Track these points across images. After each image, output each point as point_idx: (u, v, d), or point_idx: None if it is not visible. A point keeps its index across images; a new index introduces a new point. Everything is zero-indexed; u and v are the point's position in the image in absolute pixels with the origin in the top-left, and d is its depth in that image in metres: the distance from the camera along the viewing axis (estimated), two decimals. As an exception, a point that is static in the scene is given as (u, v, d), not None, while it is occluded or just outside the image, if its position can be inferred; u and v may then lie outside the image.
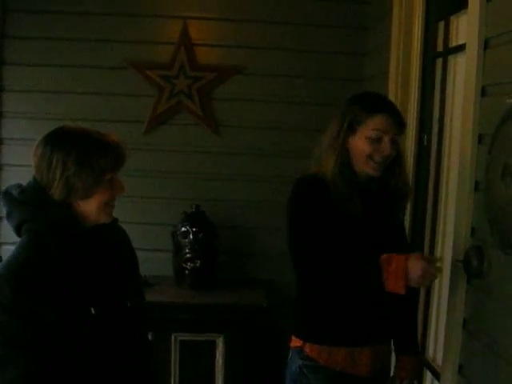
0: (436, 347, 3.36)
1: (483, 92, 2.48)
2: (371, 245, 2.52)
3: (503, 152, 2.18)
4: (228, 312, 4.07)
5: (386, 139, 2.48)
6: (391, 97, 3.70)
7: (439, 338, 3.31)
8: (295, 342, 2.61)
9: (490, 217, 2.30)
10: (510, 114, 2.14)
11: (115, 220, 2.26)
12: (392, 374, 2.79)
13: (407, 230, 3.59)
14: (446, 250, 3.13)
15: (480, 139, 2.50)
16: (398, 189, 2.62)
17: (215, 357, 4.08)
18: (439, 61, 3.40)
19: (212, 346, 4.07)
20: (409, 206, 3.58)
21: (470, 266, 2.41)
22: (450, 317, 2.65)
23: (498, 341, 2.31)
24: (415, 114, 3.61)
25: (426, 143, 3.52)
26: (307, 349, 2.56)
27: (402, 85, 3.69)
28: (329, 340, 2.55)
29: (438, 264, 2.44)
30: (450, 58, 3.25)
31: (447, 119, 3.31)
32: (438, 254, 3.26)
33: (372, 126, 2.47)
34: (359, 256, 2.43)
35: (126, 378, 2.18)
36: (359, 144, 2.49)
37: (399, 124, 2.52)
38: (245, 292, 4.30)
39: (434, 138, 3.45)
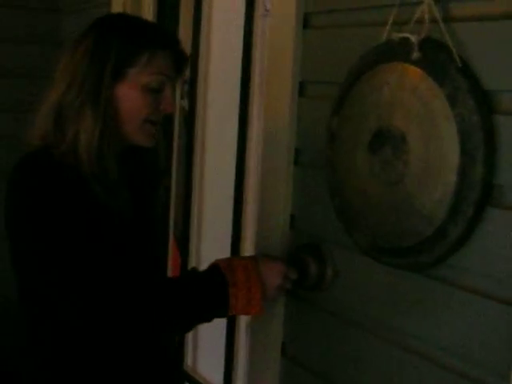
0: (196, 356, 2.74)
1: (306, 22, 1.76)
2: (150, 254, 1.78)
3: (372, 113, 1.46)
4: None
5: (169, 88, 1.65)
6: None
7: (200, 346, 2.72)
8: None
9: (342, 208, 1.58)
10: (386, 55, 1.43)
11: None
12: None
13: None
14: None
15: (302, 89, 1.77)
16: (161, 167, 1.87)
17: None
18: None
19: None
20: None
21: (306, 274, 1.69)
22: (261, 340, 1.93)
23: (330, 370, 1.72)
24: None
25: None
26: None
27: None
28: None
29: None
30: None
31: (202, 64, 2.57)
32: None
33: (153, 67, 1.61)
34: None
35: None
36: (132, 97, 1.60)
37: (184, 65, 1.72)
38: None
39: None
